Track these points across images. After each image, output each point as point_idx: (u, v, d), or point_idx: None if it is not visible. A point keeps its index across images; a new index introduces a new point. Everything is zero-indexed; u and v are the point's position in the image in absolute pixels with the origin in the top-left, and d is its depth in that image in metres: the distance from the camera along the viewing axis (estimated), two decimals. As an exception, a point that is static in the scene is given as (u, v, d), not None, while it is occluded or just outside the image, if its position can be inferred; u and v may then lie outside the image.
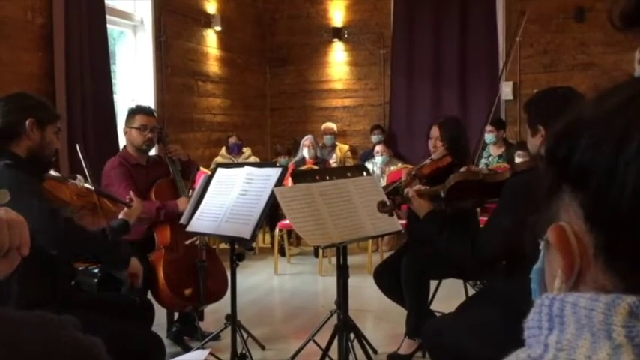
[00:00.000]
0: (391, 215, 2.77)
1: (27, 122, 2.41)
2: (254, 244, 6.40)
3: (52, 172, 2.64)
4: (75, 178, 2.73)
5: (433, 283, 3.75)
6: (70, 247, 2.50)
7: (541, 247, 0.59)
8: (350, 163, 7.65)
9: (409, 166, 6.22)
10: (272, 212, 3.97)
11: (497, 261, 2.39)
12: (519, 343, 0.57)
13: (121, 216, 2.82)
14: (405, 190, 2.70)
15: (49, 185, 2.55)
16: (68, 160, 4.84)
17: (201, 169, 5.98)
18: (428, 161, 3.54)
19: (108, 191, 3.15)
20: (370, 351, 3.35)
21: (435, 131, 3.65)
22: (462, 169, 2.81)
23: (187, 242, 3.51)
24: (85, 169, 2.92)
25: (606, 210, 0.51)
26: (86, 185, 2.73)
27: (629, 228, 0.49)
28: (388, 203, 2.67)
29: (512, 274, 2.23)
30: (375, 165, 7.14)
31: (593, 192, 0.52)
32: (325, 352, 3.20)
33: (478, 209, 3.86)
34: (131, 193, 3.03)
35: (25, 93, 2.63)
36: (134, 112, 3.75)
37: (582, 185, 0.53)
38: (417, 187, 2.72)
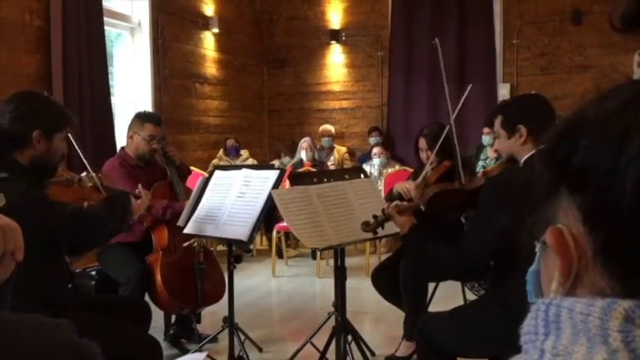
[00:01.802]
0: (375, 234, 2.75)
1: (34, 134, 2.33)
2: (252, 247, 6.39)
3: (60, 170, 2.58)
4: (81, 180, 2.66)
5: (431, 286, 3.75)
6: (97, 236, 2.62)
7: (537, 249, 0.59)
8: (348, 165, 7.63)
9: (408, 169, 6.23)
10: (269, 214, 3.96)
11: (485, 262, 2.39)
12: (516, 346, 0.57)
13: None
14: (386, 208, 2.68)
15: (52, 192, 2.49)
16: (66, 158, 4.82)
17: (199, 171, 5.99)
18: (429, 169, 3.56)
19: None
20: (368, 353, 3.35)
21: (422, 143, 3.69)
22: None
23: (185, 244, 3.50)
24: (83, 158, 2.83)
25: (606, 211, 0.51)
26: (90, 184, 2.68)
27: (629, 228, 0.49)
28: (371, 222, 2.65)
29: (507, 276, 2.23)
30: (372, 167, 7.14)
31: (594, 192, 0.52)
32: (323, 354, 3.20)
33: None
34: (139, 185, 2.95)
35: (35, 96, 2.51)
36: (144, 119, 3.73)
37: (582, 186, 0.53)
38: (396, 203, 2.68)
